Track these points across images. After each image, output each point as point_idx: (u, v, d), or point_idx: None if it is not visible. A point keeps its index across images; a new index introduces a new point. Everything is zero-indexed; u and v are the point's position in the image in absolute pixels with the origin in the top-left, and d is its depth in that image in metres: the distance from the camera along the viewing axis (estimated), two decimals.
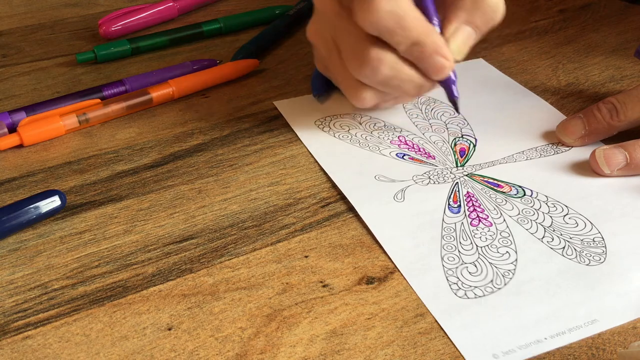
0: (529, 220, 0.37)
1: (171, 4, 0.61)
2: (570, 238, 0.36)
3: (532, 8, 0.61)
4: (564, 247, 0.35)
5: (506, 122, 0.45)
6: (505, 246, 0.35)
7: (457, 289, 0.33)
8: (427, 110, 0.46)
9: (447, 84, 0.41)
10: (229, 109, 0.48)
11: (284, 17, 0.59)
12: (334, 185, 0.40)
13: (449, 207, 0.38)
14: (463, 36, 0.40)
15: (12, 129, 0.45)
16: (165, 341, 0.30)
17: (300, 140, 0.44)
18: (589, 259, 0.34)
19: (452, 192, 0.39)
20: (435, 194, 0.39)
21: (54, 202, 0.37)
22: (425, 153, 0.42)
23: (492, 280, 0.33)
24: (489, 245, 0.35)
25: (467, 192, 0.39)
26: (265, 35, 0.56)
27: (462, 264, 0.34)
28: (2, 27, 0.61)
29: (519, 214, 0.37)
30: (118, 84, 0.49)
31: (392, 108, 0.46)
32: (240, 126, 0.46)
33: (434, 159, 0.42)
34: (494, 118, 0.46)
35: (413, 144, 0.43)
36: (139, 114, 0.47)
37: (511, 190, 0.39)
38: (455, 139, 0.44)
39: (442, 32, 0.39)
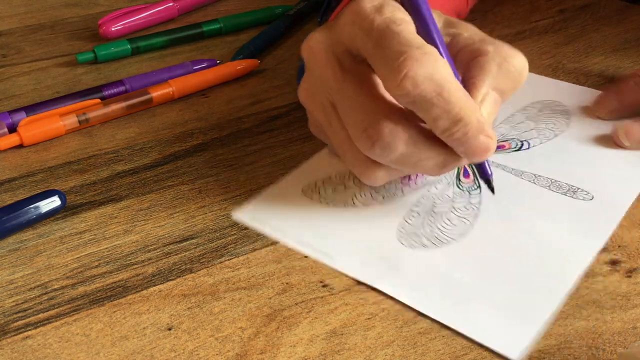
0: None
1: (171, 4, 0.61)
2: None
3: (532, 8, 0.61)
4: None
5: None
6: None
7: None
8: None
9: (481, 162, 0.36)
10: (229, 109, 0.48)
11: (284, 17, 0.59)
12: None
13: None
14: (490, 104, 0.35)
15: (12, 129, 0.45)
16: (165, 341, 0.30)
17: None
18: None
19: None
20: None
21: (54, 202, 0.37)
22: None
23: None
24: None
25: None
26: (265, 35, 0.56)
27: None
28: (2, 27, 0.61)
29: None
30: (118, 84, 0.49)
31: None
32: (240, 126, 0.46)
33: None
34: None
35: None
36: (139, 114, 0.47)
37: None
38: None
39: None
